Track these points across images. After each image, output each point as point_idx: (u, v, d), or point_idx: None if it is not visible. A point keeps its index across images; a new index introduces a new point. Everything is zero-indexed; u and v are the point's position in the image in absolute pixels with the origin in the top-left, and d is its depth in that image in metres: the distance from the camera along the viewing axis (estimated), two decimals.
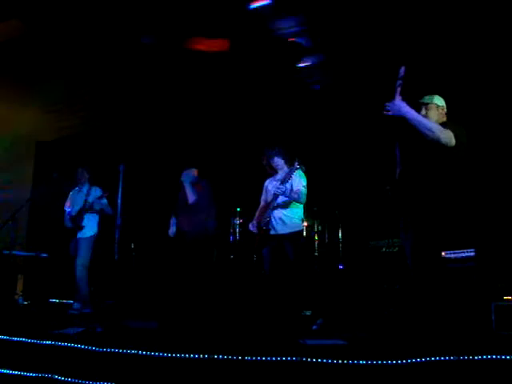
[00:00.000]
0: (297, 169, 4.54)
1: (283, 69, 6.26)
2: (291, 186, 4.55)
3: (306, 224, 5.75)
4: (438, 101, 3.61)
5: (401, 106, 3.34)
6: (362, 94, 5.97)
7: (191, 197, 5.05)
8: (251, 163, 6.62)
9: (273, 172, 4.84)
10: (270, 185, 4.79)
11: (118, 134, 7.89)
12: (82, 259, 5.68)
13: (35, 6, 5.31)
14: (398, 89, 3.35)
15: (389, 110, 3.39)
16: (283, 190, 4.42)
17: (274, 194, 4.53)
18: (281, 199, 4.56)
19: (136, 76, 6.35)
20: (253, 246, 4.77)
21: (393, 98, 3.37)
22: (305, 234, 5.71)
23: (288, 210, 4.57)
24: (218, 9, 5.44)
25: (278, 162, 4.73)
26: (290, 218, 4.55)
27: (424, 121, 3.32)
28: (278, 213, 4.57)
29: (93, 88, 6.86)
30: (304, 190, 4.55)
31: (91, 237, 5.82)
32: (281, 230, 4.54)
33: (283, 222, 4.55)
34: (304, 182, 4.58)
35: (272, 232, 4.58)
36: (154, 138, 7.61)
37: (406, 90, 3.39)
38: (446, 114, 3.62)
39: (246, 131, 6.87)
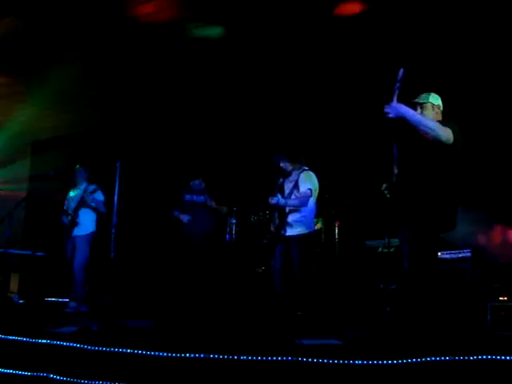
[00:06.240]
0: (302, 171, 4.60)
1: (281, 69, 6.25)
2: (298, 188, 4.60)
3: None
4: (434, 99, 3.59)
5: (399, 107, 3.36)
6: (358, 92, 5.96)
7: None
8: (248, 162, 6.63)
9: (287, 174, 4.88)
10: (286, 185, 4.81)
11: (114, 131, 7.87)
12: (80, 261, 5.67)
13: (32, 3, 5.29)
14: (397, 91, 3.36)
15: (388, 113, 3.40)
16: (275, 201, 4.48)
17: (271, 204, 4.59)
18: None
19: (132, 72, 6.32)
20: (248, 245, 4.79)
21: (390, 100, 3.38)
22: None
23: (296, 212, 4.60)
24: None
25: (286, 166, 4.79)
26: (298, 221, 4.59)
27: (424, 119, 3.32)
28: (288, 215, 4.61)
29: (89, 85, 6.82)
30: (310, 193, 4.59)
31: (87, 235, 5.80)
32: (289, 231, 4.59)
33: (291, 224, 4.60)
34: (310, 185, 4.63)
35: (282, 233, 4.62)
36: (151, 136, 7.59)
37: (404, 90, 3.40)
38: (442, 112, 3.62)
39: (243, 131, 6.86)
